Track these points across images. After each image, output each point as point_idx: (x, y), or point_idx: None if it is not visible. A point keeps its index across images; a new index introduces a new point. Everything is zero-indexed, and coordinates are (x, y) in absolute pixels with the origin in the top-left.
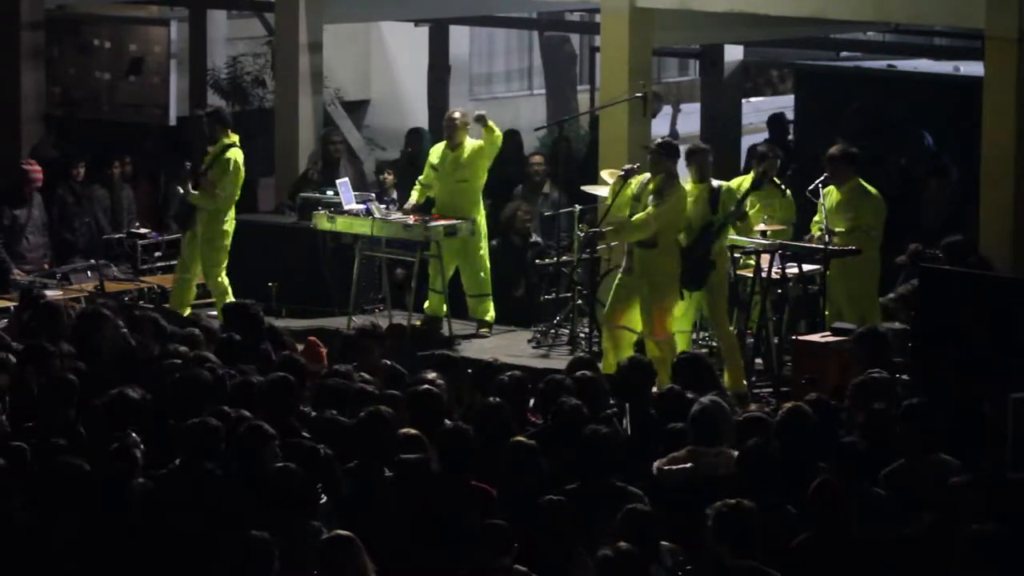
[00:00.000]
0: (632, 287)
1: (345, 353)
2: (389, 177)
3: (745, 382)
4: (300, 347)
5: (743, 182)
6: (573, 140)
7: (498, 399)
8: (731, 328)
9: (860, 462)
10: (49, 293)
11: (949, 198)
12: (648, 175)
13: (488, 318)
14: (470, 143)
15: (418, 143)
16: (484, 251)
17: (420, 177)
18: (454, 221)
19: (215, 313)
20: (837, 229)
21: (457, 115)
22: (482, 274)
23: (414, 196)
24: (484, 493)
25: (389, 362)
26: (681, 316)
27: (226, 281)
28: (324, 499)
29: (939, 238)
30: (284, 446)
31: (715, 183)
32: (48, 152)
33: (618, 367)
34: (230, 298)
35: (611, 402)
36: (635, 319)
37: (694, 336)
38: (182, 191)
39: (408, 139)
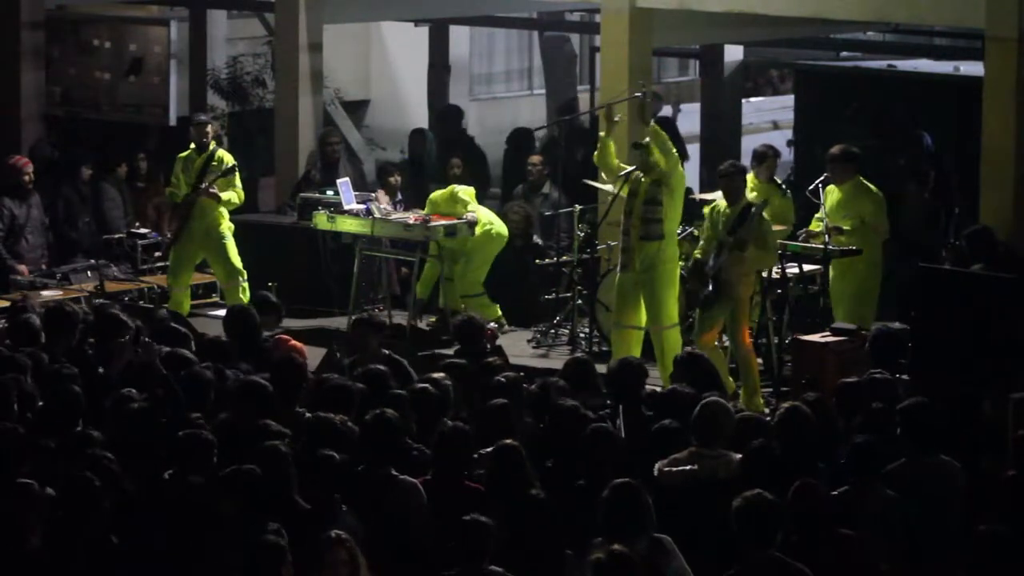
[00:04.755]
0: (633, 283)
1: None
2: (395, 179)
3: (761, 401)
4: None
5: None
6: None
7: (499, 400)
8: (751, 346)
9: (874, 462)
10: (48, 293)
11: (926, 202)
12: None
13: (491, 315)
14: None
15: (421, 144)
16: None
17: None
18: (454, 221)
19: (217, 313)
20: (844, 227)
21: None
22: (477, 272)
23: None
24: (478, 493)
25: (388, 352)
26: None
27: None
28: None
29: (918, 242)
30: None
31: (752, 204)
32: (45, 152)
33: (608, 370)
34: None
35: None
36: (641, 316)
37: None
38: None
39: (411, 141)
